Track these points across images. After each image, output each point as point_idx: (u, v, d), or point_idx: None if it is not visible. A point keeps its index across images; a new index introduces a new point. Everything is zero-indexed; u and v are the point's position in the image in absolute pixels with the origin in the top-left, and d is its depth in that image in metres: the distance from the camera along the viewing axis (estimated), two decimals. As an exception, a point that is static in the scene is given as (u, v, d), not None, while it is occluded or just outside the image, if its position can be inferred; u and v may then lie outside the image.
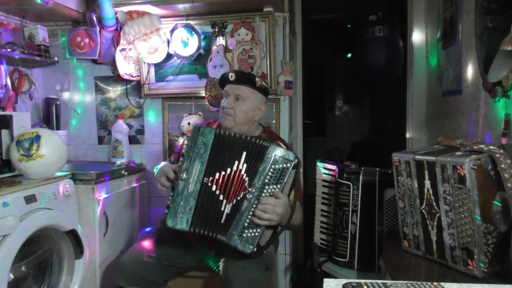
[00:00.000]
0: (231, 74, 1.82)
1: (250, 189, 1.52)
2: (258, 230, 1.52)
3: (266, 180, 1.51)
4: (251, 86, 1.81)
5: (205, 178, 1.55)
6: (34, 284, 1.87)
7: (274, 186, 1.51)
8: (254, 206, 1.50)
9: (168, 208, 1.57)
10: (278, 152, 1.52)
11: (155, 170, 1.87)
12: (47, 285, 1.91)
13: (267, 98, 1.92)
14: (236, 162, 1.54)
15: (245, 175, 1.54)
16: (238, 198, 1.54)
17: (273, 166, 1.51)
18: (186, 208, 1.54)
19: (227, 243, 1.53)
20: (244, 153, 1.54)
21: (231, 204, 1.54)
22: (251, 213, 1.50)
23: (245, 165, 1.54)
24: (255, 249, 1.52)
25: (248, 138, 1.56)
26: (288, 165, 1.51)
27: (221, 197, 1.55)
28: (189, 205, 1.55)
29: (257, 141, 1.55)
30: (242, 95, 1.79)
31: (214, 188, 1.55)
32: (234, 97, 1.80)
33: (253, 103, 1.82)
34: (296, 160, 1.52)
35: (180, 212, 1.54)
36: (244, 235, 1.51)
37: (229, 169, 1.55)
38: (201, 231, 1.55)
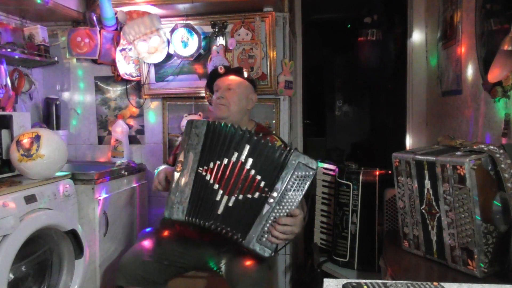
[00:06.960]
0: (220, 67, 1.95)
1: (271, 193, 1.49)
2: None
3: (289, 186, 1.49)
4: (240, 76, 1.94)
5: (199, 168, 1.55)
6: (34, 284, 1.87)
7: (295, 193, 1.50)
8: (276, 211, 1.49)
9: (166, 203, 1.58)
10: (301, 159, 1.50)
11: (156, 171, 1.87)
12: (47, 285, 1.91)
13: (256, 90, 2.00)
14: (236, 154, 1.52)
15: (253, 171, 1.51)
16: (249, 196, 1.51)
17: (295, 173, 1.49)
18: (181, 198, 1.54)
19: (245, 246, 1.51)
20: (247, 146, 1.52)
21: (233, 197, 1.52)
22: (272, 218, 1.49)
23: (250, 159, 1.51)
24: (273, 253, 1.52)
25: (247, 132, 1.54)
26: (311, 173, 1.49)
27: (215, 186, 1.54)
28: (184, 195, 1.55)
29: (273, 144, 1.53)
30: (233, 84, 1.90)
31: (208, 177, 1.54)
32: (226, 87, 1.89)
33: (245, 91, 1.91)
34: (318, 169, 1.52)
35: (176, 203, 1.54)
36: (264, 239, 1.50)
37: (225, 159, 1.53)
38: (196, 220, 1.54)
